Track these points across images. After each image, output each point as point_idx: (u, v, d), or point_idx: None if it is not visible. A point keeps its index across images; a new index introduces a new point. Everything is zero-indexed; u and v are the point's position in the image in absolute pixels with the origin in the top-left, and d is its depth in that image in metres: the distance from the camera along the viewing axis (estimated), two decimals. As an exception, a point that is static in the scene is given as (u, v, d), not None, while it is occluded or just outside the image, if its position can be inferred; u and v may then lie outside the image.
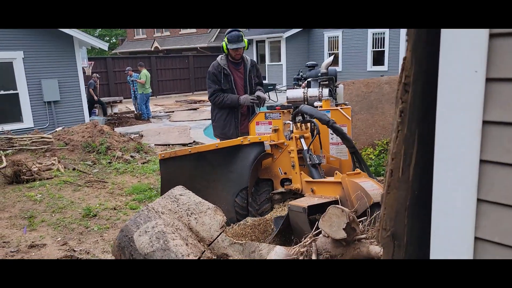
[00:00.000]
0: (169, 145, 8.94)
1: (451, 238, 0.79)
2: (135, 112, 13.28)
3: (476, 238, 0.80)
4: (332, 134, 4.13)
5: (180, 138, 9.54)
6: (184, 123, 11.80)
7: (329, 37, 18.42)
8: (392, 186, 0.84)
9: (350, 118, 4.21)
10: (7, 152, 7.13)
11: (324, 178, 3.49)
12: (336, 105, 4.38)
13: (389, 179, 0.84)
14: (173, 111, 14.54)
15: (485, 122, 0.80)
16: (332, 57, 5.13)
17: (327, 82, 4.86)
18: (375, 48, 16.71)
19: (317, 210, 3.21)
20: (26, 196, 5.39)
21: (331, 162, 4.09)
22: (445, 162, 0.78)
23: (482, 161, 0.79)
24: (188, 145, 8.87)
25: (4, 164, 6.43)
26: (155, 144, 8.94)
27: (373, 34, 16.61)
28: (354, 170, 3.37)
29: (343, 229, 1.82)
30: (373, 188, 2.84)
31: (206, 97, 18.20)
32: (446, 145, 0.78)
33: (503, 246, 0.77)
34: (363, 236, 1.93)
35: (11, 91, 9.06)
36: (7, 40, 8.78)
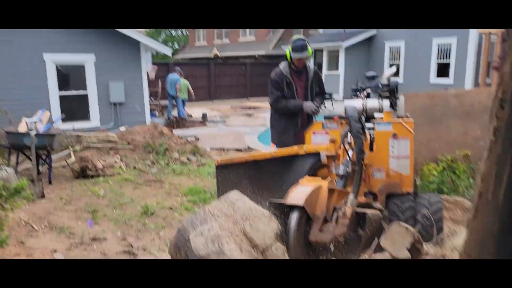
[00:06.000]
0: (224, 149, 9.11)
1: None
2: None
3: None
4: (393, 147, 3.99)
5: (234, 143, 9.69)
6: (239, 128, 11.98)
7: (390, 47, 17.86)
8: (480, 210, 0.78)
9: (412, 132, 4.05)
10: (76, 148, 7.65)
11: (346, 189, 3.43)
12: (398, 117, 4.22)
13: (477, 203, 0.79)
14: (228, 116, 14.82)
15: None
16: (393, 68, 4.97)
17: (388, 94, 4.71)
18: (440, 59, 15.94)
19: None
20: (90, 191, 5.74)
21: (391, 177, 3.93)
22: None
23: None
24: (243, 150, 8.98)
25: (73, 159, 6.90)
26: (210, 148, 9.15)
27: (438, 45, 15.87)
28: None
29: (407, 249, 1.74)
30: (300, 192, 2.91)
31: (261, 104, 18.37)
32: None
33: None
34: (428, 257, 1.83)
35: (82, 92, 9.72)
36: (81, 44, 9.44)
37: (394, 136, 3.97)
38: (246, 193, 3.37)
